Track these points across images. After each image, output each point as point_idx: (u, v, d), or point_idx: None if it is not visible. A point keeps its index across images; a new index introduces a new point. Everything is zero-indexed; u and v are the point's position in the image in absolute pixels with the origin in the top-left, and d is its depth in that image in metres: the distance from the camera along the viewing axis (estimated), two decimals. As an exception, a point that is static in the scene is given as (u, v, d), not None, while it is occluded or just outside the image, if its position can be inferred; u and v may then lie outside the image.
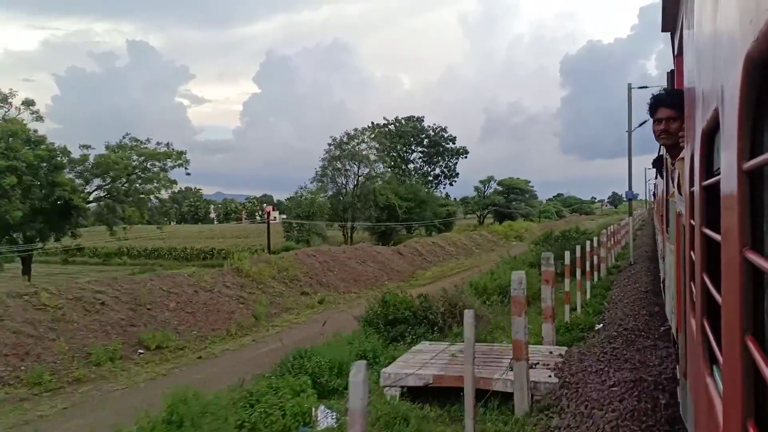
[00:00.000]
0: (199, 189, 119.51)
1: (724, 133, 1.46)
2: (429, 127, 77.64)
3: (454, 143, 78.68)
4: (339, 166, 50.55)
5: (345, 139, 51.37)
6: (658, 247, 16.84)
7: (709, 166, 2.17)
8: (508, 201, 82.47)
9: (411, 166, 77.23)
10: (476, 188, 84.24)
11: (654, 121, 4.07)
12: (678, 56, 5.04)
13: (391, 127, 74.93)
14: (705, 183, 2.16)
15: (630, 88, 25.81)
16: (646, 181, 66.99)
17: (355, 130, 52.98)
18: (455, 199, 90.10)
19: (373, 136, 63.07)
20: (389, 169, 63.62)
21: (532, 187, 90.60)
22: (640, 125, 24.75)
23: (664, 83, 5.71)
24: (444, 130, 78.40)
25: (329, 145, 51.18)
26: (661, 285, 11.30)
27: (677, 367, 5.32)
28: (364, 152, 51.84)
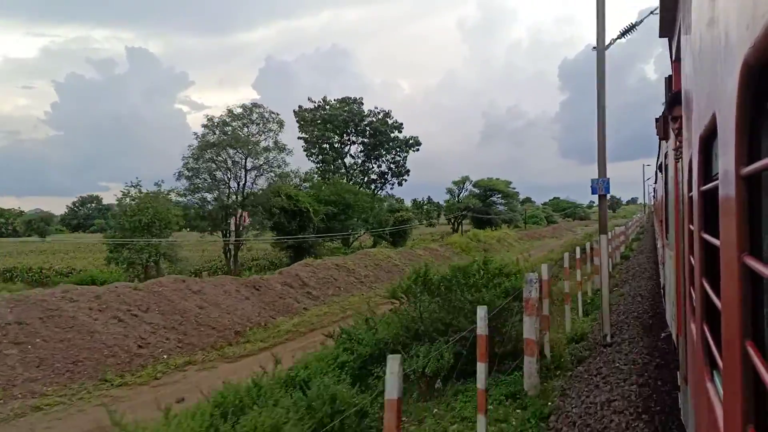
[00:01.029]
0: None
1: (722, 139, 1.46)
2: (370, 111, 57.79)
3: (400, 131, 58.83)
4: (219, 157, 34.06)
5: (227, 119, 35.39)
6: (658, 253, 16.77)
7: (707, 172, 2.18)
8: (486, 205, 71.83)
9: (350, 161, 59.23)
10: (449, 190, 72.98)
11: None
12: (676, 62, 5.06)
13: (323, 112, 56.19)
14: (703, 188, 2.17)
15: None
16: (644, 181, 62.82)
17: (243, 107, 36.43)
18: (424, 201, 78.13)
19: (298, 123, 51.78)
20: (319, 165, 53.80)
21: (514, 188, 79.31)
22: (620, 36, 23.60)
23: (663, 87, 5.73)
24: (388, 115, 58.13)
25: (203, 126, 35.08)
26: (662, 290, 11.28)
27: (678, 372, 5.30)
28: (255, 137, 36.17)
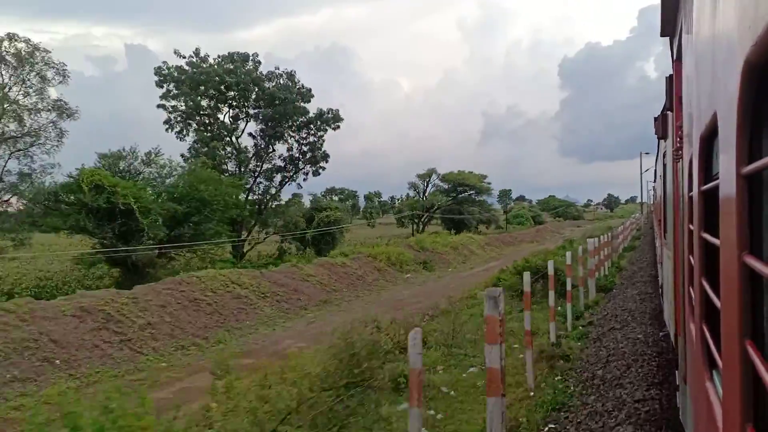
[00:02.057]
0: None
1: (723, 138, 1.46)
2: (270, 73, 38.46)
3: (309, 101, 39.36)
4: None
5: None
6: (656, 252, 16.73)
7: (707, 171, 2.18)
8: (457, 202, 60.73)
9: (241, 141, 38.84)
10: (412, 185, 62.08)
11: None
12: (677, 61, 5.05)
13: (197, 71, 35.89)
14: (704, 188, 2.17)
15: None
16: (642, 176, 61.02)
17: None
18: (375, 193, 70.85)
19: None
20: (197, 145, 35.78)
21: (489, 183, 65.81)
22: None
23: (663, 85, 5.72)
24: (292, 76, 38.72)
25: None
26: (660, 290, 11.29)
27: (677, 372, 5.31)
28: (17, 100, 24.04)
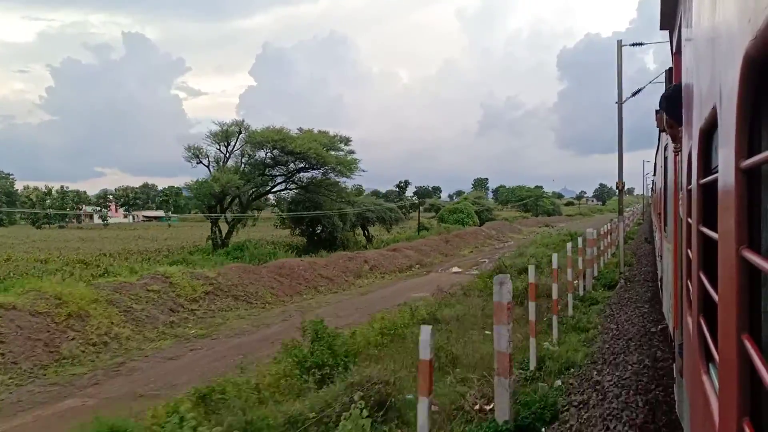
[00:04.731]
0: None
1: (722, 132, 1.46)
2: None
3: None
4: None
5: None
6: (655, 245, 16.74)
7: (706, 165, 2.18)
8: (305, 188, 38.40)
9: None
10: (191, 150, 35.51)
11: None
12: (676, 54, 5.04)
13: None
14: (702, 181, 2.17)
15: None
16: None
17: None
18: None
19: None
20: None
21: (352, 152, 39.74)
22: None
23: (662, 77, 5.72)
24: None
25: None
26: (659, 283, 11.32)
27: (674, 365, 5.33)
28: None
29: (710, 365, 2.00)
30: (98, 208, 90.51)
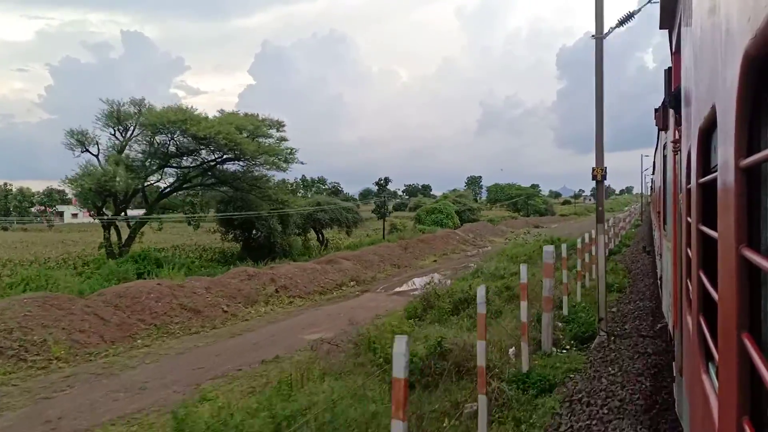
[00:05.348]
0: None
1: (722, 131, 1.46)
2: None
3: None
4: None
5: None
6: (655, 243, 16.70)
7: (706, 164, 2.18)
8: (232, 185, 32.07)
9: None
10: (73, 135, 28.37)
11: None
12: (676, 53, 5.04)
13: None
14: (702, 180, 2.17)
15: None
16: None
17: None
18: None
19: None
20: None
21: (286, 141, 34.38)
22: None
23: (662, 76, 5.71)
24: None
25: None
26: (659, 282, 11.32)
27: (674, 364, 5.33)
28: None
29: (710, 364, 2.00)
30: (51, 207, 79.73)
